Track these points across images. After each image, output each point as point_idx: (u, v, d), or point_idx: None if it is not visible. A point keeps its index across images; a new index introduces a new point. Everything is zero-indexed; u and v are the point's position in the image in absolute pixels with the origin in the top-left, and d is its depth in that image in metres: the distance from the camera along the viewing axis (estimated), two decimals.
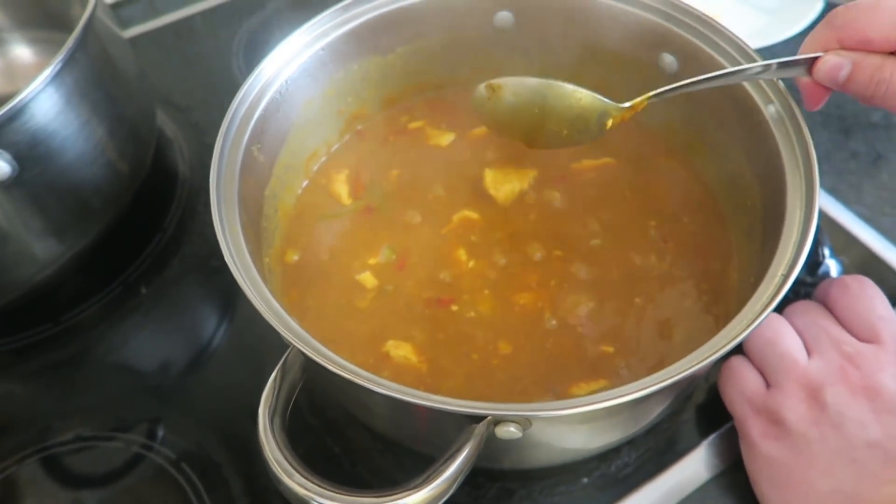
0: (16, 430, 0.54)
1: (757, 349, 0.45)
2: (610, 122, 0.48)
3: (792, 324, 0.46)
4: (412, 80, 0.60)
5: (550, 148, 0.51)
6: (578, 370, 0.46)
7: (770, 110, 0.46)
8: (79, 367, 0.57)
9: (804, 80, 0.44)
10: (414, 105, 0.62)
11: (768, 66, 0.44)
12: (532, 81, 0.49)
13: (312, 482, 0.33)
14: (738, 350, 0.47)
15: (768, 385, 0.45)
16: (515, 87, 0.49)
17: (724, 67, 0.50)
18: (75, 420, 0.54)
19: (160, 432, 0.53)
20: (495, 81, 0.50)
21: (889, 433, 0.40)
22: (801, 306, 0.47)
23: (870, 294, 0.45)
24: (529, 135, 0.51)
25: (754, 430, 0.44)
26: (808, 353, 0.44)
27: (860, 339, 0.44)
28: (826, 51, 0.42)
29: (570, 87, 0.48)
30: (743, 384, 0.45)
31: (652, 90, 0.56)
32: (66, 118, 0.52)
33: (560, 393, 0.45)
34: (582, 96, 0.48)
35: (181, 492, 0.49)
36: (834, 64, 0.42)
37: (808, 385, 0.42)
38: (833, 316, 0.46)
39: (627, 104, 0.48)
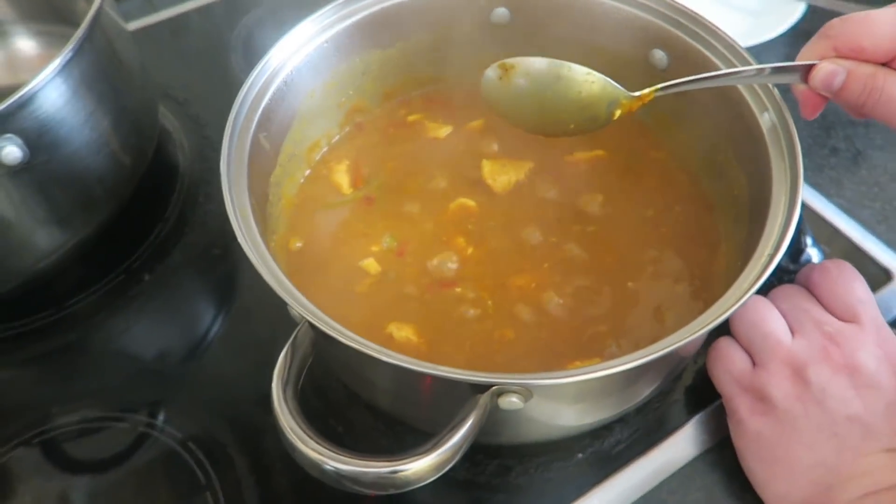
0: (20, 414, 0.54)
1: (743, 331, 0.48)
2: (618, 112, 0.49)
3: (776, 306, 0.48)
4: (411, 74, 0.62)
5: (556, 136, 0.52)
6: (574, 350, 0.48)
7: (757, 106, 0.48)
8: (82, 352, 0.59)
9: (800, 88, 0.45)
10: (412, 98, 0.64)
11: (762, 70, 0.45)
12: (545, 62, 0.49)
13: (325, 447, 0.35)
14: (726, 332, 0.49)
15: (755, 364, 0.47)
16: (528, 67, 0.49)
17: (714, 64, 0.52)
18: (80, 404, 0.55)
19: (164, 414, 0.54)
20: (508, 61, 0.50)
21: (868, 408, 0.43)
22: (784, 290, 0.49)
23: (850, 277, 0.47)
24: (536, 121, 0.51)
25: (742, 408, 0.46)
26: (792, 333, 0.46)
27: (841, 320, 0.46)
28: (822, 59, 0.44)
29: (583, 69, 0.49)
30: (730, 364, 0.47)
31: (643, 85, 0.58)
32: (73, 108, 0.53)
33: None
34: (595, 79, 0.48)
35: (187, 469, 0.50)
36: (829, 71, 0.43)
37: (793, 363, 0.45)
38: (815, 298, 0.48)
39: (636, 94, 0.49)
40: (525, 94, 0.50)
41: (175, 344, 0.59)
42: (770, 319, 0.47)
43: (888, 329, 0.46)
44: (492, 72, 0.50)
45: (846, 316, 0.46)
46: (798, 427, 0.44)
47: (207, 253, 0.64)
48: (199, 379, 0.56)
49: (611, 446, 0.50)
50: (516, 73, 0.49)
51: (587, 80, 0.49)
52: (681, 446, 0.50)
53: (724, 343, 0.49)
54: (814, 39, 0.45)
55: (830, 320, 0.46)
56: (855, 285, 0.47)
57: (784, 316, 0.47)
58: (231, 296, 0.62)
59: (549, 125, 0.51)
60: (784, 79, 0.46)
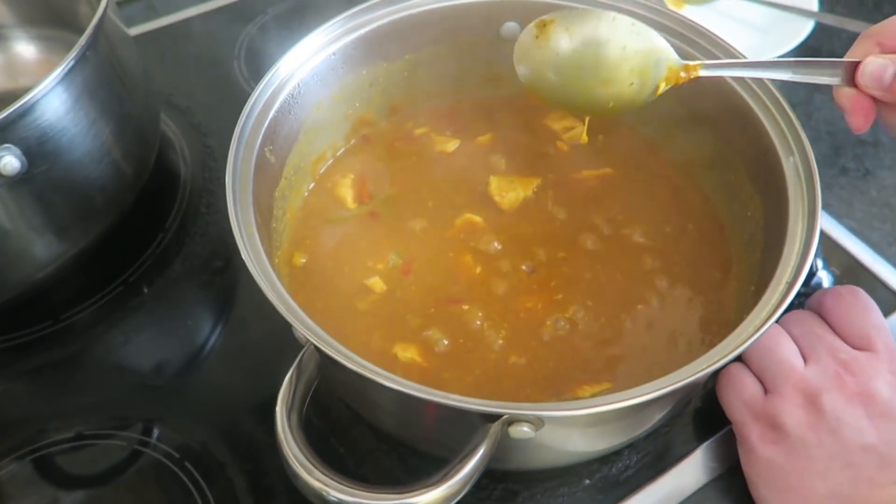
0: (16, 428, 0.53)
1: (755, 356, 0.47)
2: (663, 85, 0.46)
3: (788, 332, 0.47)
4: (419, 87, 0.61)
5: (593, 114, 0.48)
6: (581, 374, 0.47)
7: (773, 127, 0.48)
8: (79, 365, 0.57)
9: (847, 94, 0.43)
10: (419, 111, 0.63)
11: (804, 62, 0.43)
12: (586, 10, 0.45)
13: (331, 478, 0.34)
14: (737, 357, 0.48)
15: (766, 391, 0.46)
16: (568, 20, 0.45)
17: (725, 81, 0.51)
18: (76, 418, 0.54)
19: (161, 430, 0.53)
20: (548, 16, 0.45)
21: (883, 437, 0.42)
22: (796, 315, 0.49)
23: (864, 304, 0.47)
24: (574, 94, 0.47)
25: (753, 435, 0.45)
26: (805, 359, 0.45)
27: (854, 348, 0.45)
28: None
29: (628, 18, 0.45)
30: (742, 390, 0.46)
31: (653, 102, 0.57)
32: (75, 116, 0.52)
33: (564, 396, 0.46)
34: (640, 30, 0.45)
35: (184, 489, 0.49)
36: (879, 65, 0.41)
37: (806, 391, 0.44)
38: (828, 324, 0.47)
39: (684, 62, 0.46)
40: (563, 60, 0.45)
41: (174, 358, 0.58)
42: (783, 345, 0.46)
43: None
44: (527, 34, 0.46)
45: (860, 343, 0.45)
46: (811, 456, 0.43)
47: (208, 265, 0.62)
48: (196, 394, 0.55)
49: (619, 472, 0.49)
50: (555, 30, 0.45)
51: (632, 31, 0.45)
52: (690, 473, 0.49)
53: (735, 368, 0.48)
54: (856, 43, 0.43)
55: (844, 347, 0.45)
56: (869, 312, 0.46)
57: (796, 341, 0.46)
58: (231, 309, 0.60)
59: (589, 99, 0.47)
60: (824, 77, 0.43)
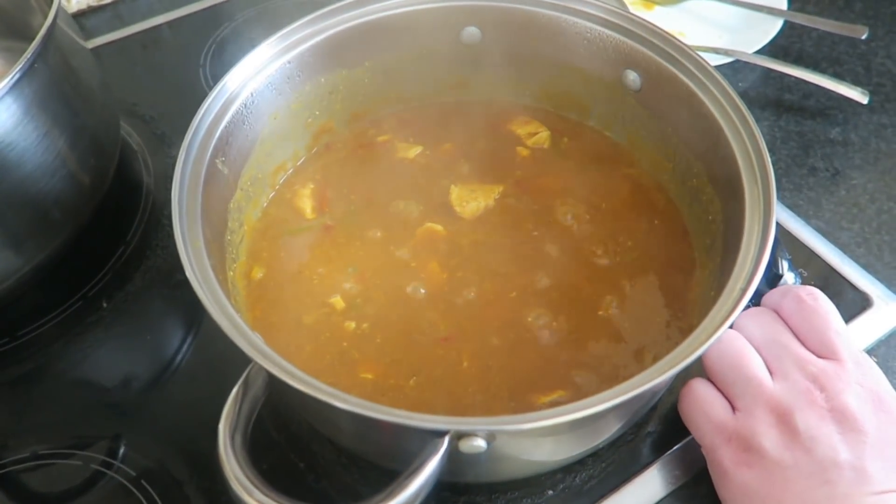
0: None
1: (721, 371, 0.45)
2: None
3: (749, 337, 0.46)
4: (380, 93, 0.61)
5: None
6: (544, 381, 0.46)
7: (730, 129, 0.47)
8: (36, 383, 0.56)
9: None
10: (382, 118, 0.62)
11: None
12: None
13: (272, 499, 0.33)
14: (699, 371, 0.47)
15: (733, 408, 0.44)
16: None
17: (685, 85, 0.51)
18: (32, 437, 0.52)
19: (121, 449, 0.51)
20: None
21: (856, 452, 0.41)
22: (756, 318, 0.47)
23: (824, 309, 0.46)
24: None
25: (726, 459, 0.43)
26: (772, 373, 0.44)
27: (817, 355, 0.44)
28: None
29: None
30: (709, 410, 0.45)
31: (618, 107, 0.57)
32: (24, 129, 0.51)
33: (520, 404, 0.45)
34: None
35: None
36: None
37: (777, 409, 0.42)
38: (789, 329, 0.46)
39: None
40: None
41: (134, 374, 0.57)
42: (750, 361, 0.44)
43: (867, 361, 0.45)
44: None
45: (823, 350, 0.44)
46: (788, 477, 0.41)
47: (170, 278, 0.61)
48: (157, 412, 0.54)
49: (583, 482, 0.48)
50: None
51: None
52: (655, 481, 0.48)
53: (699, 386, 0.46)
54: None
55: (811, 358, 0.44)
56: (830, 317, 0.45)
57: (759, 350, 0.45)
58: (193, 323, 0.59)
59: None
60: None
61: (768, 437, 0.42)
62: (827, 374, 0.43)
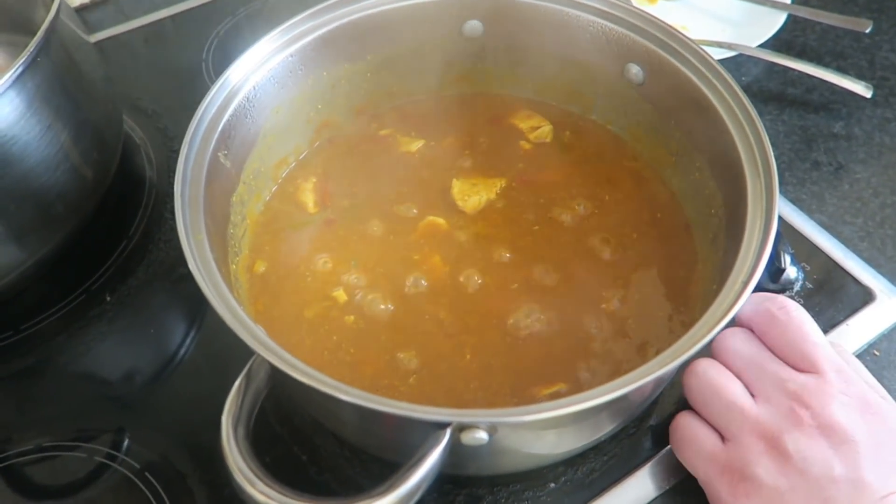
0: None
1: (703, 402, 0.45)
2: None
3: (727, 361, 0.45)
4: (382, 87, 0.61)
5: None
6: (540, 375, 0.46)
7: (733, 123, 0.47)
8: (40, 376, 0.56)
9: None
10: (384, 112, 0.62)
11: None
12: None
13: (276, 490, 0.33)
14: (685, 405, 0.46)
15: (723, 438, 0.44)
16: None
17: (688, 79, 0.51)
18: (36, 430, 0.53)
19: (124, 442, 0.52)
20: None
21: (850, 464, 0.40)
22: (730, 338, 0.46)
23: (798, 320, 0.44)
24: None
25: (723, 492, 0.43)
26: (754, 396, 0.44)
27: (797, 368, 0.44)
28: None
29: None
30: (699, 445, 0.44)
31: (620, 100, 0.57)
32: (27, 123, 0.51)
33: (521, 398, 0.45)
34: None
35: (144, 500, 0.48)
36: None
37: (765, 434, 0.42)
38: (766, 347, 0.45)
39: None
40: None
41: (137, 368, 0.57)
42: (728, 387, 0.44)
43: (847, 370, 0.44)
44: None
45: (802, 363, 0.43)
46: (787, 501, 0.41)
47: (173, 271, 0.61)
48: (160, 405, 0.54)
49: (585, 475, 0.48)
50: None
51: None
52: (658, 474, 0.48)
53: (686, 420, 0.46)
54: None
55: (790, 375, 0.43)
56: (805, 329, 0.44)
57: (739, 375, 0.44)
58: (198, 317, 0.59)
59: None
60: None
61: (761, 465, 0.41)
62: (808, 389, 0.42)
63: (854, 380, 0.43)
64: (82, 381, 0.56)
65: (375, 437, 0.44)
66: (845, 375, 0.43)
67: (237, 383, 0.37)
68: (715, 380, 0.44)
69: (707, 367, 0.45)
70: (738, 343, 0.45)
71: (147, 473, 0.50)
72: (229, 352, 0.55)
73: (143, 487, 0.49)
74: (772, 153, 0.45)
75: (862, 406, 0.42)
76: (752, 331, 0.46)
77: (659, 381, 0.37)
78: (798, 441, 0.41)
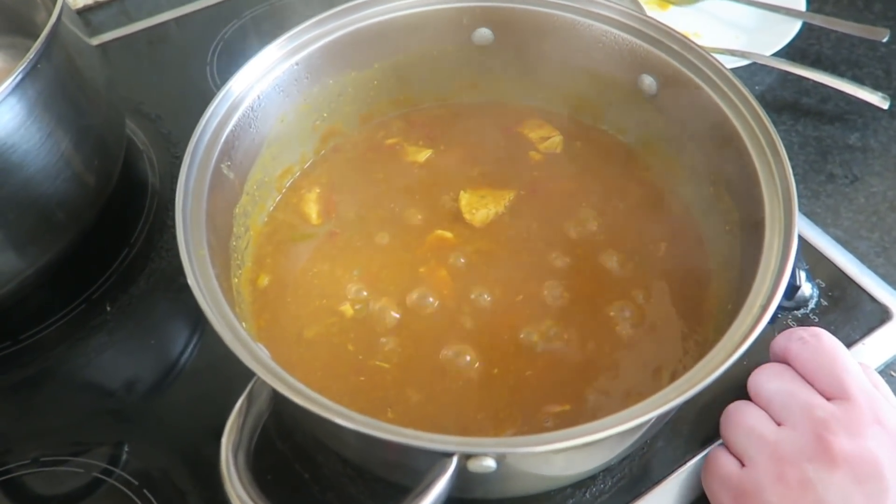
0: None
1: (725, 432, 0.45)
2: None
3: (760, 392, 0.45)
4: (389, 95, 0.59)
5: None
6: (548, 394, 0.45)
7: (751, 140, 0.46)
8: (39, 387, 0.55)
9: None
10: (391, 120, 0.61)
11: None
12: None
13: None
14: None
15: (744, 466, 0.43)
16: None
17: (702, 89, 0.50)
18: (34, 442, 0.52)
19: (123, 457, 0.51)
20: None
21: (873, 500, 0.39)
22: (765, 372, 0.46)
23: (829, 346, 0.44)
24: None
25: None
26: (780, 422, 0.43)
27: (828, 396, 0.43)
28: None
29: None
30: (716, 466, 0.44)
31: (633, 111, 0.56)
32: (27, 131, 0.50)
33: (527, 417, 0.44)
34: None
35: None
36: None
37: (783, 460, 0.41)
38: (797, 373, 0.45)
39: None
40: None
41: (138, 379, 0.56)
42: (748, 414, 0.44)
43: (880, 399, 0.42)
44: None
45: (833, 390, 0.42)
46: None
47: (174, 282, 0.60)
48: (160, 418, 0.53)
49: (593, 497, 0.47)
50: None
51: None
52: (667, 497, 0.47)
53: (716, 452, 0.46)
54: None
55: (819, 402, 0.42)
56: (836, 354, 0.44)
57: (770, 400, 0.44)
58: (199, 327, 0.58)
59: None
60: None
61: (775, 493, 0.40)
62: (837, 418, 0.41)
63: (886, 409, 0.42)
64: (82, 392, 0.55)
65: (379, 460, 0.43)
66: (877, 404, 0.42)
67: (238, 405, 0.36)
68: (737, 408, 0.44)
69: (736, 405, 0.45)
70: (774, 373, 0.45)
71: (145, 490, 0.49)
72: (232, 363, 0.54)
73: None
74: (790, 170, 0.43)
75: (893, 436, 0.41)
76: (786, 363, 0.46)
77: (666, 413, 0.36)
78: (819, 471, 0.39)
